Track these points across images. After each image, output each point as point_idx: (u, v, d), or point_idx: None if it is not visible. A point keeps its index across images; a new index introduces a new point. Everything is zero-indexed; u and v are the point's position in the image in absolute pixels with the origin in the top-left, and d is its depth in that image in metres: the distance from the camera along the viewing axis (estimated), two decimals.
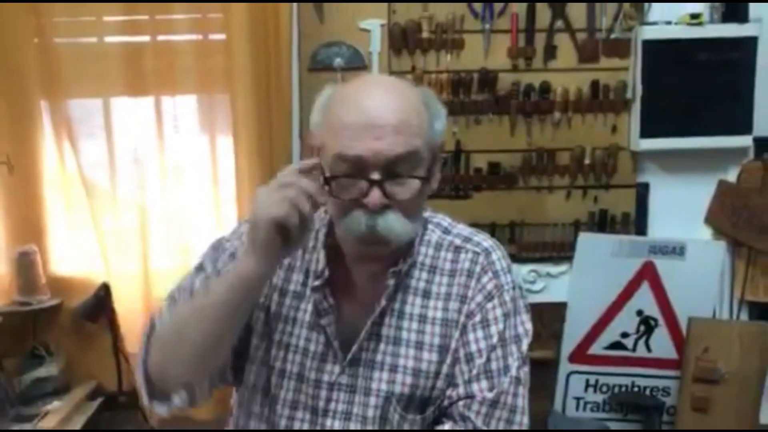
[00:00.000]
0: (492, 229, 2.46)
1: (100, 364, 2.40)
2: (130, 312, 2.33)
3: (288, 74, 2.31)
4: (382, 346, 1.15)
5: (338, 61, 2.35)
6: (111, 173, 2.33)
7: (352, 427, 1.15)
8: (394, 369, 1.15)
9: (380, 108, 1.04)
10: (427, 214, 1.22)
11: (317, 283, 1.14)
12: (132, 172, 2.34)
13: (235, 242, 1.21)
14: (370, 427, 1.15)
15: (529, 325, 1.19)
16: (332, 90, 1.11)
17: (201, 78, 2.30)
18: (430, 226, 1.21)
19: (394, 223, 1.05)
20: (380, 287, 1.15)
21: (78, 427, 2.20)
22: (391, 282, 1.14)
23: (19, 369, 2.30)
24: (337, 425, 1.15)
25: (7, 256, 2.32)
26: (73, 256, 2.38)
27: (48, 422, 2.12)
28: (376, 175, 1.03)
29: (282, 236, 1.01)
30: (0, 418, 2.05)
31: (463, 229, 1.23)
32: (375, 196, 1.03)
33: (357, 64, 2.35)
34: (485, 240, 1.21)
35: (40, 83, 2.26)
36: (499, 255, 1.20)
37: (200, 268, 1.21)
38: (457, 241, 1.19)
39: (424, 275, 1.17)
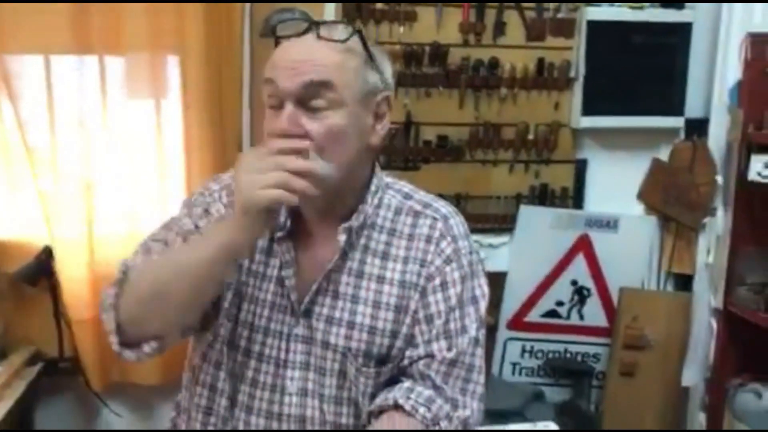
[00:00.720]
0: None
1: (40, 329, 2.34)
2: (73, 278, 2.26)
3: (240, 38, 2.28)
4: (340, 303, 1.18)
5: None
6: (52, 134, 2.24)
7: (311, 376, 1.19)
8: (351, 325, 1.18)
9: (304, 46, 1.09)
10: (388, 180, 1.25)
11: (280, 234, 1.17)
12: (75, 133, 2.26)
13: (207, 198, 1.22)
14: (328, 378, 1.19)
15: (486, 288, 1.24)
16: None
17: (150, 38, 2.23)
18: (390, 191, 1.23)
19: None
20: (335, 245, 1.17)
21: (18, 393, 2.14)
22: (342, 237, 1.16)
23: None
24: (297, 375, 1.19)
25: None
26: (12, 218, 2.29)
27: None
28: (288, 104, 1.06)
29: (275, 212, 1.04)
30: None
31: (424, 196, 1.26)
32: (282, 121, 1.06)
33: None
34: (444, 207, 1.25)
35: None
36: (457, 221, 1.24)
37: (175, 221, 1.21)
38: (417, 207, 1.22)
39: (384, 237, 1.20)
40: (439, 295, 1.19)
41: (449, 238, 1.20)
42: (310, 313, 1.18)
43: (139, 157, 2.31)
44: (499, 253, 2.62)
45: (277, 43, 1.12)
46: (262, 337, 1.19)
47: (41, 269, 2.26)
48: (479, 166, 2.56)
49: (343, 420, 1.20)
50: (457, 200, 2.54)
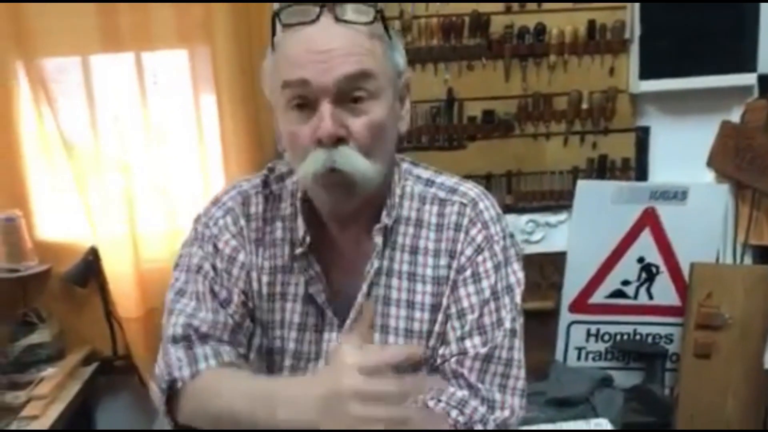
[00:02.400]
0: (488, 180, 2.39)
1: (94, 329, 2.38)
2: (120, 276, 2.28)
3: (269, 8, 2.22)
4: (372, 307, 1.10)
5: None
6: (93, 134, 2.25)
7: None
8: (385, 330, 1.10)
9: (325, 33, 0.96)
10: (405, 165, 1.16)
11: (300, 250, 1.08)
12: (114, 132, 2.27)
13: (212, 229, 1.12)
14: None
15: (521, 274, 1.13)
16: (283, 36, 1.01)
17: (180, 31, 2.20)
18: (410, 179, 1.14)
19: (353, 156, 0.97)
20: (365, 248, 1.09)
21: (74, 392, 2.18)
22: (379, 240, 1.08)
23: (11, 336, 2.27)
24: None
25: None
26: (58, 220, 2.33)
27: (42, 389, 2.10)
28: (327, 103, 0.95)
29: None
30: None
31: (447, 180, 1.16)
32: (326, 125, 0.95)
33: None
34: (471, 189, 1.14)
35: (14, 42, 2.17)
36: (486, 204, 1.13)
37: (192, 264, 1.12)
38: (441, 194, 1.13)
39: (411, 230, 1.11)
40: (471, 288, 1.09)
41: (479, 225, 1.10)
42: (342, 325, 1.10)
43: (178, 152, 2.31)
44: (557, 232, 2.48)
45: (279, 36, 1.00)
46: (293, 360, 1.12)
47: (89, 269, 2.29)
48: (530, 141, 2.42)
49: None
50: (508, 178, 2.41)
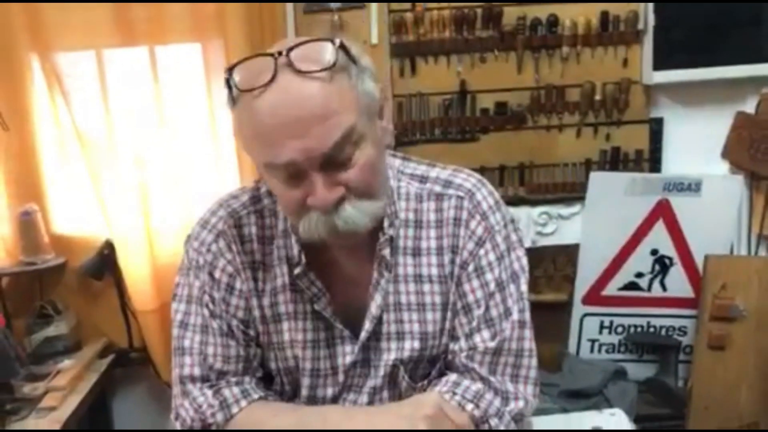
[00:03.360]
0: (501, 172, 2.39)
1: (110, 322, 2.40)
2: (135, 269, 2.29)
3: (283, 16, 2.22)
4: (384, 315, 1.10)
5: None
6: (107, 128, 2.26)
7: (363, 399, 1.12)
8: (401, 336, 1.10)
9: (290, 97, 0.89)
10: (397, 163, 1.13)
11: (298, 270, 1.06)
12: (128, 126, 2.28)
13: (206, 256, 1.10)
14: (378, 396, 1.12)
15: (525, 260, 1.13)
16: (242, 101, 0.93)
17: (193, 25, 2.21)
18: (404, 179, 1.12)
19: (354, 215, 0.95)
20: (366, 257, 1.08)
21: (90, 384, 2.20)
22: (386, 252, 1.06)
23: (29, 329, 2.29)
24: (350, 398, 1.13)
25: (8, 216, 2.28)
26: (73, 213, 2.35)
27: (60, 380, 2.12)
28: (316, 174, 0.91)
29: None
30: (11, 377, 2.04)
31: (441, 172, 1.13)
32: (321, 196, 0.92)
33: (354, 3, 2.25)
34: (467, 180, 1.12)
35: (29, 36, 2.18)
36: (484, 193, 1.11)
37: (189, 311, 1.12)
38: (437, 189, 1.11)
39: (411, 232, 1.10)
40: (476, 282, 1.09)
41: (478, 217, 1.09)
42: (356, 337, 1.11)
43: (192, 145, 2.31)
44: (570, 223, 2.47)
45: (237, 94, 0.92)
46: (311, 379, 1.12)
47: (105, 263, 2.31)
48: (543, 133, 2.41)
49: None
50: (521, 170, 2.41)
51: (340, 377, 1.11)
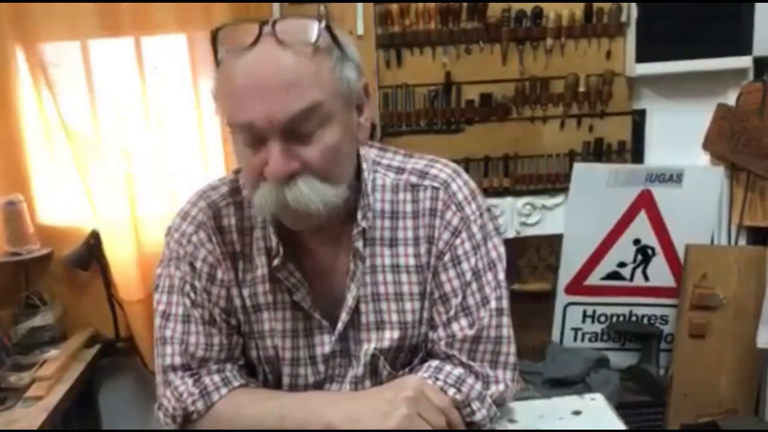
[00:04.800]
0: (485, 163, 2.41)
1: (96, 312, 2.40)
2: (121, 260, 2.30)
3: (269, 7, 2.22)
4: (362, 306, 1.11)
5: None
6: (93, 118, 2.26)
7: (347, 389, 1.13)
8: (380, 326, 1.11)
9: (266, 62, 0.90)
10: (373, 154, 1.14)
11: (276, 261, 1.06)
12: (114, 116, 2.28)
13: (186, 247, 1.10)
14: (361, 386, 1.13)
15: (502, 248, 1.13)
16: (224, 55, 0.96)
17: (179, 16, 2.21)
18: (380, 170, 1.12)
19: (306, 191, 0.94)
20: (343, 248, 1.09)
21: (77, 374, 2.20)
22: (359, 244, 1.07)
23: (15, 319, 2.29)
24: (333, 388, 1.14)
25: None
26: (59, 203, 2.35)
27: (46, 370, 2.12)
28: (275, 141, 0.91)
29: None
30: None
31: (417, 163, 1.13)
32: (275, 165, 0.92)
33: None
34: (442, 170, 1.12)
35: (13, 27, 2.17)
36: (459, 183, 1.11)
37: (171, 303, 1.11)
38: (413, 179, 1.11)
39: (387, 223, 1.10)
40: (452, 272, 1.10)
41: (454, 207, 1.10)
42: (332, 328, 1.12)
43: (178, 135, 2.32)
44: (554, 214, 2.50)
45: (222, 54, 0.94)
46: (291, 367, 1.13)
47: (91, 253, 2.31)
48: (527, 124, 2.43)
49: None
50: (505, 161, 2.43)
51: (320, 367, 1.12)
